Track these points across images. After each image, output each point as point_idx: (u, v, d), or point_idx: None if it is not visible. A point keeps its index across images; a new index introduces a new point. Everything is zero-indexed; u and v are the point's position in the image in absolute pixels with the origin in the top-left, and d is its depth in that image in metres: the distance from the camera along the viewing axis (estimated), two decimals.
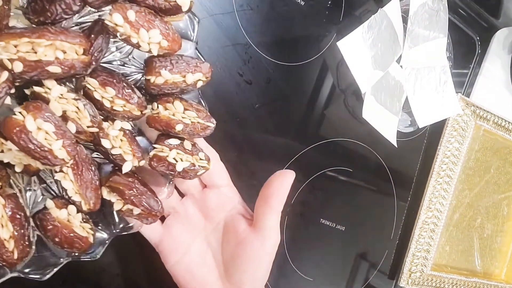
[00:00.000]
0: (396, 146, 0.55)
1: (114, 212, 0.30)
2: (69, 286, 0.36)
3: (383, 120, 0.54)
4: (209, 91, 0.44)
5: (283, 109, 0.50)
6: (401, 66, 0.56)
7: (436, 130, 0.64)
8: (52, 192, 0.29)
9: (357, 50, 0.50)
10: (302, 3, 0.50)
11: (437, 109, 0.61)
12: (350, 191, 0.57)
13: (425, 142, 0.64)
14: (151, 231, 0.33)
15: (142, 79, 0.31)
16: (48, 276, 0.28)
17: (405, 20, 0.55)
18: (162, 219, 0.34)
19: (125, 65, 0.31)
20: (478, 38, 0.68)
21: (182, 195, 0.36)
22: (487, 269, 0.73)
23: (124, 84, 0.28)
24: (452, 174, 0.65)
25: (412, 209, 0.63)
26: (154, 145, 0.30)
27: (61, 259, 0.28)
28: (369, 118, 0.52)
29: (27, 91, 0.26)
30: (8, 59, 0.24)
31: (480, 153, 0.69)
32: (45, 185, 0.29)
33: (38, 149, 0.23)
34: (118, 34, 0.26)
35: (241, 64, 0.46)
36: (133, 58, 0.31)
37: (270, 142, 0.49)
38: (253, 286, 0.33)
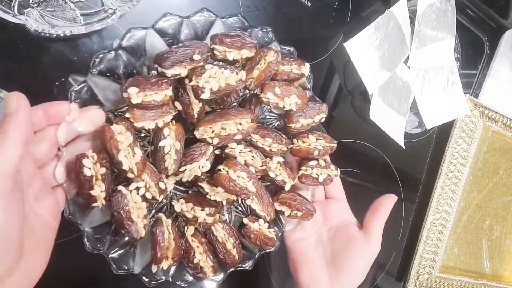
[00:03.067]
0: (404, 147, 0.55)
1: (282, 218, 0.44)
2: None
3: (391, 121, 0.54)
4: None
5: None
6: (408, 67, 0.56)
7: (444, 131, 0.63)
8: (240, 213, 0.44)
9: (364, 51, 0.50)
10: (309, 4, 0.50)
11: (445, 110, 0.60)
12: (358, 192, 0.57)
13: (433, 143, 0.64)
14: None
15: (278, 123, 0.45)
16: (250, 263, 0.42)
17: (412, 20, 0.54)
18: None
19: (266, 117, 0.45)
20: (486, 38, 0.67)
21: None
22: (496, 271, 0.72)
23: (275, 133, 0.41)
24: (460, 175, 0.65)
25: (420, 210, 0.63)
26: (301, 168, 0.43)
27: (256, 253, 0.42)
28: (377, 119, 0.52)
29: (217, 152, 0.40)
30: (209, 137, 0.37)
31: (489, 154, 0.68)
32: (236, 209, 0.44)
33: (239, 190, 0.36)
34: (270, 104, 0.40)
35: None
36: (271, 111, 0.45)
37: None
38: (351, 277, 0.42)
